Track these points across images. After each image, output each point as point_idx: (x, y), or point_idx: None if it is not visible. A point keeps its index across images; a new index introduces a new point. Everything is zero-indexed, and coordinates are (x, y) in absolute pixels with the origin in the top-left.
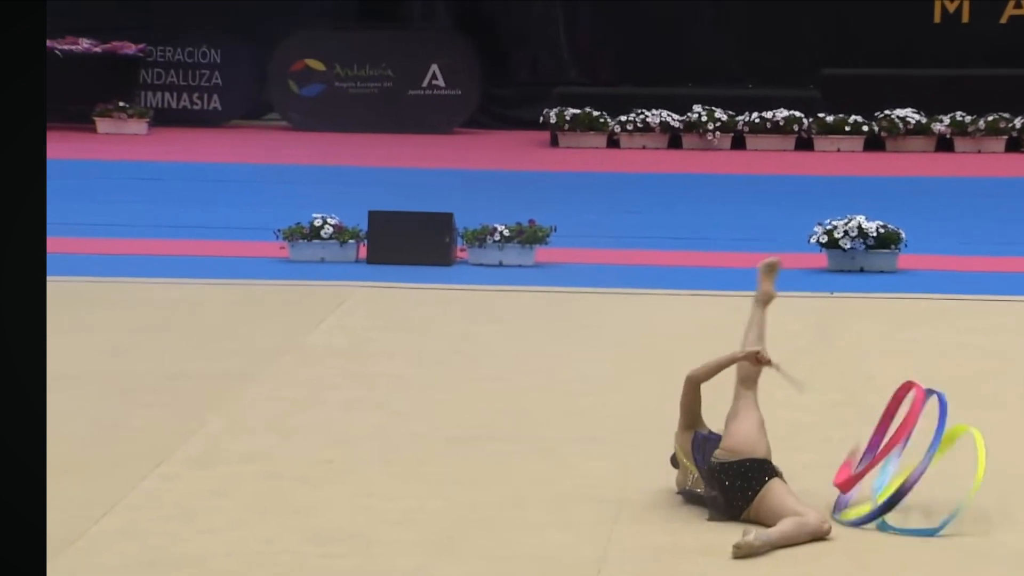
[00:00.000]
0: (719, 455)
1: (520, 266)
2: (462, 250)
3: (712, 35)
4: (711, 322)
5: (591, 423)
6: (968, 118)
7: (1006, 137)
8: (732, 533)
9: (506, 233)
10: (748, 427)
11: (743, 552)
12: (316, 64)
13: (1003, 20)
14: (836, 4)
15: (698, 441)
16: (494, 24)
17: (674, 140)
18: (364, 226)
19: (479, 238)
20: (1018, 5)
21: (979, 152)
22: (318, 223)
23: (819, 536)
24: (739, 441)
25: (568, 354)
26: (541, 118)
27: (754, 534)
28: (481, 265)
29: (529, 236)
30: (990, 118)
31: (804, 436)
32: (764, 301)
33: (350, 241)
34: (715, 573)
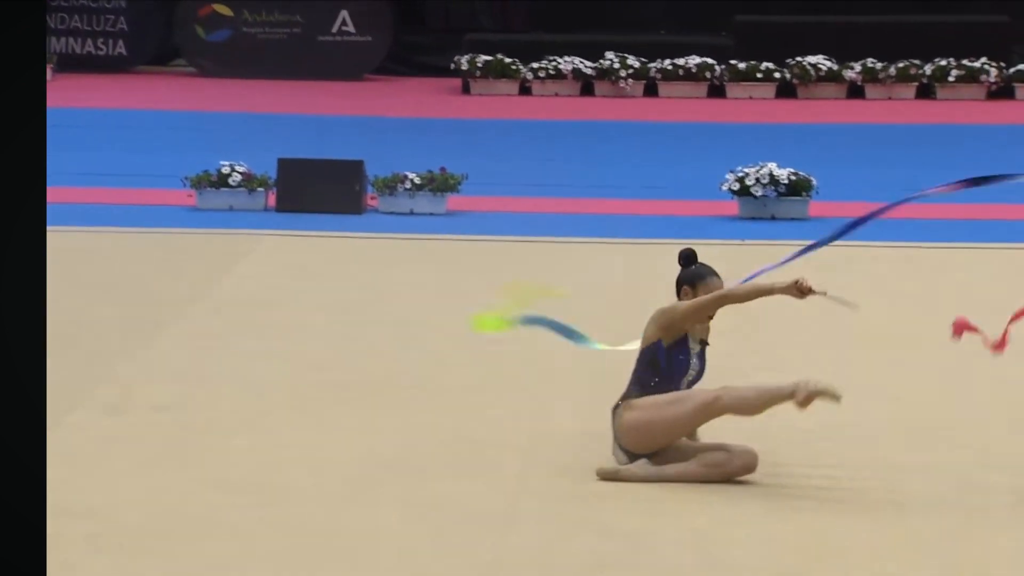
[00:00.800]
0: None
1: (431, 214)
2: (372, 198)
3: None
4: (623, 270)
5: (500, 370)
6: (879, 65)
7: (916, 84)
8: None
9: (417, 181)
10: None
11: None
12: (223, 9)
13: None
14: None
15: (663, 350)
16: None
17: (586, 87)
18: (273, 174)
19: (390, 186)
20: None
21: (890, 99)
22: (226, 171)
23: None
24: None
25: (478, 302)
26: (452, 65)
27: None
28: (392, 213)
29: (440, 184)
30: (901, 65)
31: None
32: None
33: (259, 189)
34: (625, 518)
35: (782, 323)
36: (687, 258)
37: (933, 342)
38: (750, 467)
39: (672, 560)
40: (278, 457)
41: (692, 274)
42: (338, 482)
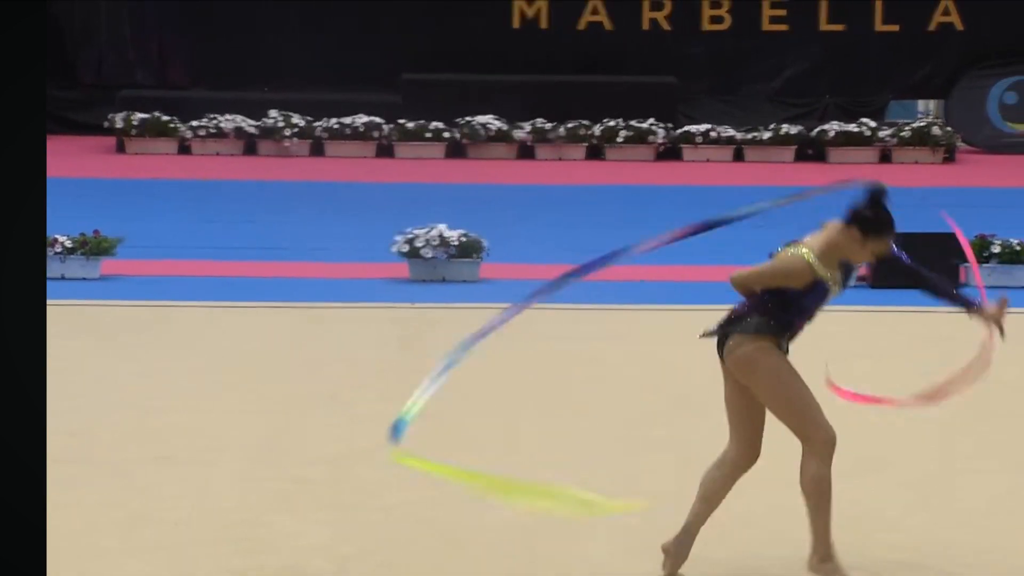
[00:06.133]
0: None
1: (84, 279)
2: None
3: (290, 37)
4: (289, 334)
5: (164, 442)
6: (549, 125)
7: (586, 144)
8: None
9: (68, 244)
10: None
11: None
12: None
13: (581, 27)
14: (416, 7)
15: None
16: (56, 20)
17: (249, 146)
18: None
19: None
20: (595, 12)
21: (560, 159)
22: None
23: None
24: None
25: (141, 372)
26: (106, 123)
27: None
28: None
29: (94, 247)
30: (570, 125)
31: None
32: None
33: None
34: None
35: None
36: (876, 195)
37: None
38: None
39: None
40: None
41: (874, 221)
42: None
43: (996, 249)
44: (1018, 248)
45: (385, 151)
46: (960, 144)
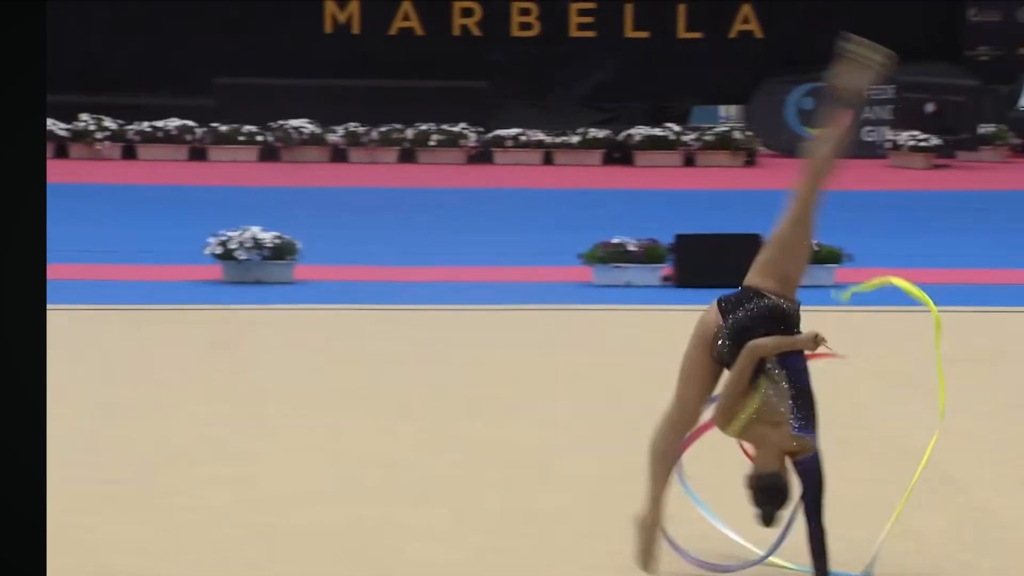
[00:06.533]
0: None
1: None
2: None
3: (103, 40)
4: (100, 337)
5: None
6: (362, 129)
7: (399, 148)
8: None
9: None
10: None
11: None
12: None
13: (392, 32)
14: (229, 11)
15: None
16: None
17: (60, 150)
18: None
19: None
20: (407, 17)
21: (373, 162)
22: None
23: None
24: None
25: None
26: None
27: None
28: None
29: None
30: (383, 129)
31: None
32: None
33: None
34: None
35: None
36: None
37: None
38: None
39: None
40: None
41: None
42: None
43: None
44: (815, 248)
45: (198, 154)
46: (760, 148)
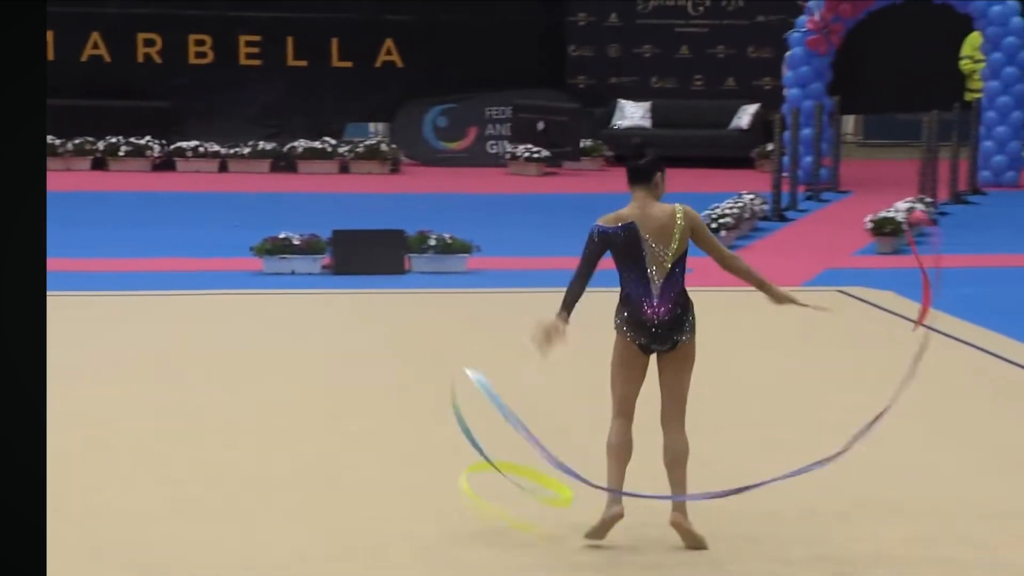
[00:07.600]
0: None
1: None
2: None
3: None
4: None
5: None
6: (58, 141)
7: (92, 157)
8: None
9: None
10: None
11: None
12: None
13: (84, 58)
14: None
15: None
16: None
17: None
18: None
19: None
20: (96, 46)
21: (68, 170)
22: None
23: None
24: None
25: None
26: None
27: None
28: None
29: None
30: (77, 141)
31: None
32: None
33: None
34: None
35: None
36: (640, 147)
37: None
38: (680, 458)
39: None
40: None
41: (659, 160)
42: None
43: (432, 242)
44: (449, 241)
45: None
46: (403, 158)
